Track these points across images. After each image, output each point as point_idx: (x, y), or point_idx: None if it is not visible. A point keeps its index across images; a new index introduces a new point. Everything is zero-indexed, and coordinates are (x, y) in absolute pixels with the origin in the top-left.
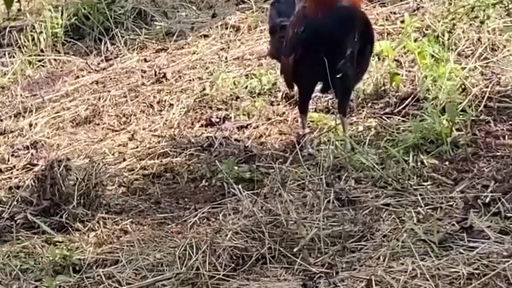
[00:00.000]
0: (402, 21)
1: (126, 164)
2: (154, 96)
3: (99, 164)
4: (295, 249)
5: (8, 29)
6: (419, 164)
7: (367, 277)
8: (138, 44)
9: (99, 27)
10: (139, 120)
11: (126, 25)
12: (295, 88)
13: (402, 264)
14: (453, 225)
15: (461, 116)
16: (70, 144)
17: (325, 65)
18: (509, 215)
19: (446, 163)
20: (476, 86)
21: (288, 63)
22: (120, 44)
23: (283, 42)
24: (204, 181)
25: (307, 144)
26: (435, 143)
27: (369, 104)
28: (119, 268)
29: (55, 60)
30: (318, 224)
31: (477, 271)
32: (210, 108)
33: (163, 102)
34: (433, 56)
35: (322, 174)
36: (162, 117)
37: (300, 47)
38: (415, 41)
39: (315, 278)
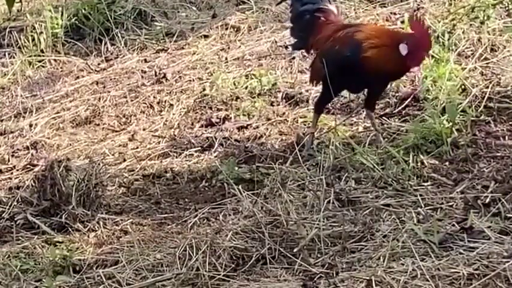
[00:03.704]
0: (402, 22)
1: (126, 164)
2: (154, 97)
3: (99, 164)
4: (295, 250)
5: (8, 30)
6: (419, 164)
7: (367, 277)
8: (138, 44)
9: (99, 27)
10: (140, 121)
11: (126, 25)
12: (317, 86)
13: (402, 264)
14: (453, 225)
15: (461, 117)
16: (70, 145)
17: (363, 82)
18: (509, 215)
19: (447, 163)
20: (476, 86)
21: (321, 70)
22: (120, 45)
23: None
24: (204, 181)
25: (309, 144)
26: (435, 144)
27: None
28: (119, 268)
29: (55, 60)
30: (318, 224)
31: (477, 271)
32: (210, 108)
33: (163, 103)
34: (433, 56)
35: (322, 175)
36: (162, 118)
37: (341, 65)
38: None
39: (315, 279)
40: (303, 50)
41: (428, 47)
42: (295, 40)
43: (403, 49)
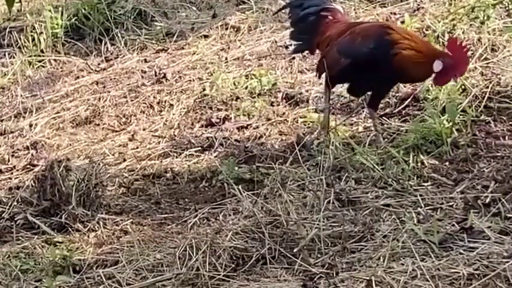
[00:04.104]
0: (402, 22)
1: (126, 164)
2: (154, 97)
3: (99, 164)
4: (295, 250)
5: (8, 30)
6: (419, 164)
7: (367, 277)
8: (138, 44)
9: (99, 27)
10: (140, 121)
11: (126, 25)
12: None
13: (402, 264)
14: (453, 225)
15: (461, 117)
16: (70, 145)
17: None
18: (509, 215)
19: (447, 163)
20: (477, 86)
21: (338, 61)
22: (120, 45)
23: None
24: (204, 182)
25: (326, 119)
26: (435, 144)
27: None
28: (119, 268)
29: (55, 60)
30: (318, 224)
31: (477, 272)
32: (210, 108)
33: (163, 103)
34: None
35: (322, 175)
36: (162, 118)
37: (362, 57)
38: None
39: (315, 279)
40: (306, 52)
41: (463, 74)
42: (298, 43)
43: (438, 66)
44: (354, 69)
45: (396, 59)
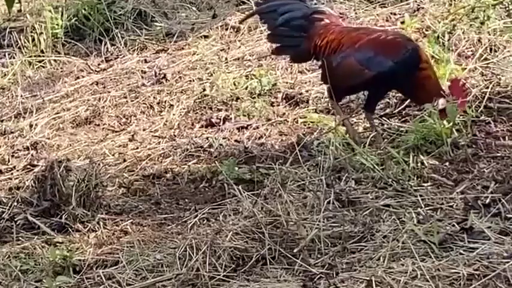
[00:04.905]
0: (402, 22)
1: (126, 164)
2: (154, 97)
3: (99, 164)
4: (295, 250)
5: (8, 30)
6: (419, 164)
7: (368, 278)
8: (138, 44)
9: (99, 28)
10: (140, 121)
11: (126, 26)
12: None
13: (402, 265)
14: (453, 226)
15: (461, 117)
16: (70, 145)
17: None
18: (509, 215)
19: (447, 164)
20: (477, 86)
21: (357, 68)
22: (120, 45)
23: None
24: (204, 182)
25: (351, 131)
26: (435, 144)
27: None
28: (119, 269)
29: (55, 61)
30: (318, 224)
31: (477, 272)
32: (210, 109)
33: (163, 103)
34: (433, 56)
35: (322, 175)
36: (162, 118)
37: (385, 70)
38: (416, 41)
39: (315, 279)
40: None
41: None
42: (281, 45)
43: (441, 104)
44: (377, 81)
45: (419, 74)
